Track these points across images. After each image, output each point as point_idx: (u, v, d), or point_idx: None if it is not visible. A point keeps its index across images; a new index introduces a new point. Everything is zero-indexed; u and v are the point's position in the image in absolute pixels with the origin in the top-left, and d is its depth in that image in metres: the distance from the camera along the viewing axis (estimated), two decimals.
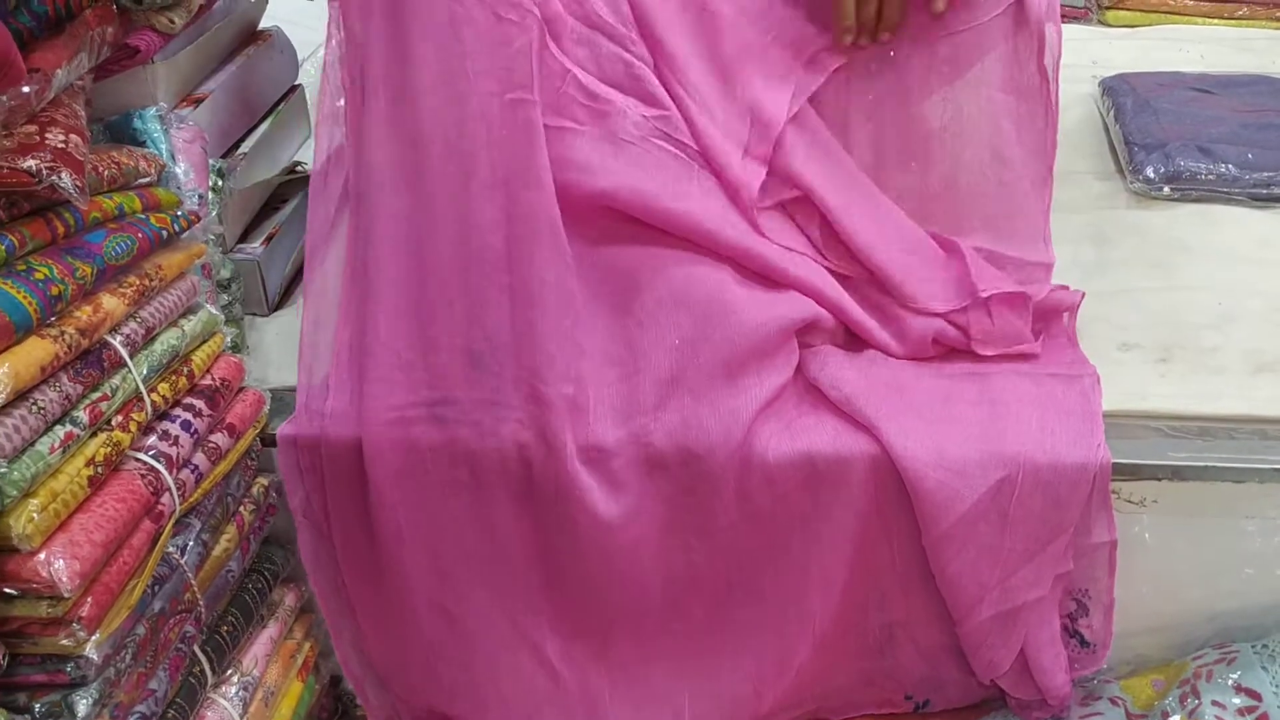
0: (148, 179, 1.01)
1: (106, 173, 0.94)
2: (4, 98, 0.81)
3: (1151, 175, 1.37)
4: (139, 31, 1.10)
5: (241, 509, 1.05)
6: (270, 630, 1.11)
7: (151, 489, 0.89)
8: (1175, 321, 1.17)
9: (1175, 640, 1.14)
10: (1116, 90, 1.56)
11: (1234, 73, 1.63)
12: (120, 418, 0.89)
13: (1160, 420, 1.08)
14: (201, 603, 0.97)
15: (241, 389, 1.06)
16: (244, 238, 1.24)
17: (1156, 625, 1.13)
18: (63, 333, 0.82)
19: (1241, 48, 1.82)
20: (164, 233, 0.97)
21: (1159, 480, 1.05)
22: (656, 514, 1.07)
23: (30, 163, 0.82)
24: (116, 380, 0.88)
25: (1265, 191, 1.35)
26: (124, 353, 0.89)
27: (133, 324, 0.91)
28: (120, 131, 1.07)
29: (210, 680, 1.01)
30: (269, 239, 1.23)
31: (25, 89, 0.84)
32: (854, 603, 1.11)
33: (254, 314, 1.22)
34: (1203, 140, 1.40)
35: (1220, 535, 1.08)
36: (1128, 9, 1.96)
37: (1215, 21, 1.94)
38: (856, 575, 1.09)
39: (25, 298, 0.80)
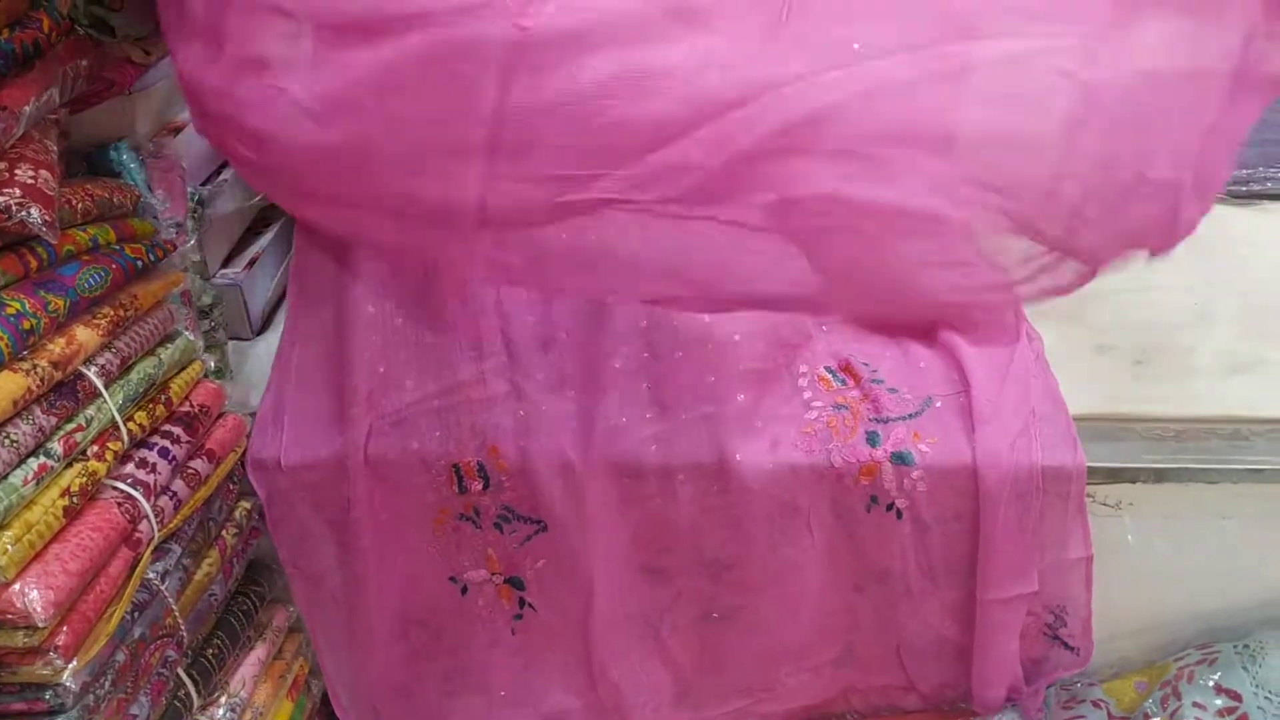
0: (123, 210, 1.02)
1: (80, 205, 0.95)
2: None
3: None
4: (114, 64, 1.11)
5: (224, 533, 1.06)
6: (258, 651, 1.13)
7: (129, 517, 0.90)
8: (1151, 323, 1.17)
9: (1159, 641, 1.14)
10: None
11: None
12: (96, 447, 0.90)
13: (1136, 423, 1.08)
14: (183, 627, 0.98)
15: (222, 414, 1.07)
16: (227, 262, 1.25)
17: (1139, 627, 1.13)
18: (35, 366, 0.84)
19: None
20: (139, 263, 0.98)
21: (1135, 483, 1.05)
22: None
23: None
24: (91, 410, 0.90)
25: (1244, 189, 1.35)
26: (99, 383, 0.91)
27: (108, 354, 0.93)
28: (98, 163, 1.08)
29: (196, 703, 1.02)
30: (251, 263, 1.25)
31: None
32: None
33: (238, 338, 1.24)
34: None
35: (1199, 536, 1.08)
36: None
37: None
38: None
39: None
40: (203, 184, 1.22)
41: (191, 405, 1.02)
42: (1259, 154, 1.37)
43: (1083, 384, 1.10)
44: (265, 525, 1.12)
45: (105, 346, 0.93)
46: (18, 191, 0.85)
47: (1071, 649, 1.13)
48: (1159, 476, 1.05)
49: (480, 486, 1.07)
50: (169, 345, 1.01)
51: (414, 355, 1.10)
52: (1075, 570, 1.08)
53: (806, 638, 1.16)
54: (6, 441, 0.81)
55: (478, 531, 1.10)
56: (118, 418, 0.92)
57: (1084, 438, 1.06)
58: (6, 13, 0.89)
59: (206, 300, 1.17)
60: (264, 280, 1.27)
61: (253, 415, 1.13)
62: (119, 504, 0.90)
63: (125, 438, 0.92)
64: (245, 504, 1.11)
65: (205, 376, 1.08)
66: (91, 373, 0.90)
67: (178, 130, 1.19)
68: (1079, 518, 1.03)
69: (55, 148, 0.96)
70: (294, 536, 1.12)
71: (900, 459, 1.03)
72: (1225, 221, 1.32)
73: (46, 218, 0.86)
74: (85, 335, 0.90)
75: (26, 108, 0.90)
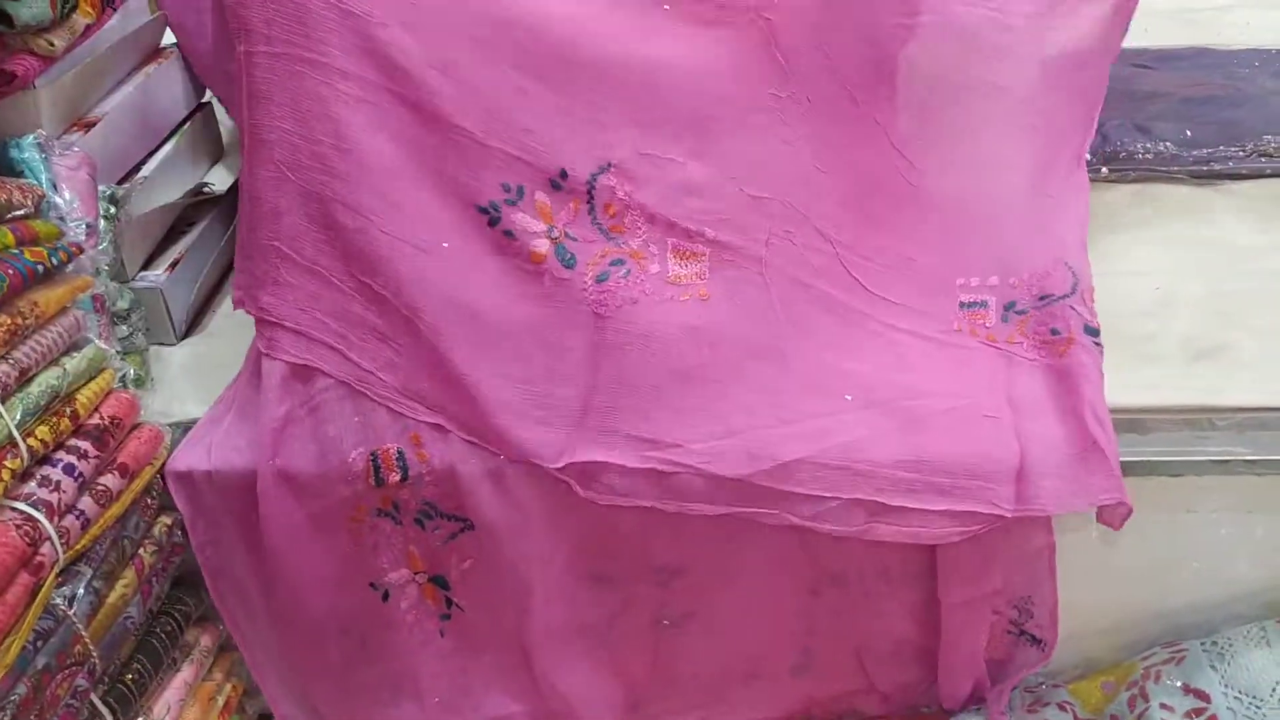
0: (23, 210, 0.96)
1: None
2: None
3: (1088, 156, 1.32)
4: (15, 56, 1.05)
5: (141, 551, 1.01)
6: (184, 673, 1.07)
7: (29, 539, 0.84)
8: (1112, 309, 1.12)
9: (1125, 640, 1.11)
10: None
11: (1176, 45, 1.59)
12: None
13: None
14: (96, 654, 0.93)
15: (137, 426, 1.01)
16: (147, 264, 1.19)
17: (1105, 626, 1.10)
18: None
19: (1185, 20, 1.77)
20: (40, 267, 0.92)
21: None
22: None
23: None
24: None
25: (1206, 169, 1.31)
26: None
27: (4, 366, 0.86)
28: None
29: None
30: (174, 265, 1.19)
31: None
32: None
33: (161, 344, 1.18)
34: (1140, 118, 1.36)
35: (1163, 530, 1.05)
36: None
37: None
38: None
39: None
40: (119, 182, 1.16)
41: (101, 417, 0.96)
42: (1218, 132, 1.34)
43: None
44: (188, 540, 1.07)
45: (2, 358, 0.87)
46: None
47: (1038, 641, 1.09)
48: (1121, 469, 1.01)
49: (398, 478, 1.01)
50: (75, 354, 0.95)
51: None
52: (1038, 560, 1.05)
53: (761, 644, 1.12)
54: None
55: (398, 528, 1.04)
56: (15, 434, 0.86)
57: None
58: None
59: (123, 305, 1.11)
60: (187, 283, 1.21)
61: (175, 425, 1.07)
62: (17, 526, 0.84)
63: (25, 455, 0.86)
64: (166, 519, 1.05)
65: (122, 386, 1.02)
66: None
67: (90, 125, 1.13)
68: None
69: None
70: (215, 549, 1.07)
71: None
72: (1186, 202, 1.29)
73: None
74: None
75: None
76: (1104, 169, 1.32)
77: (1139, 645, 1.10)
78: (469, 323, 1.00)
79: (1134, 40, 1.66)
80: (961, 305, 1.08)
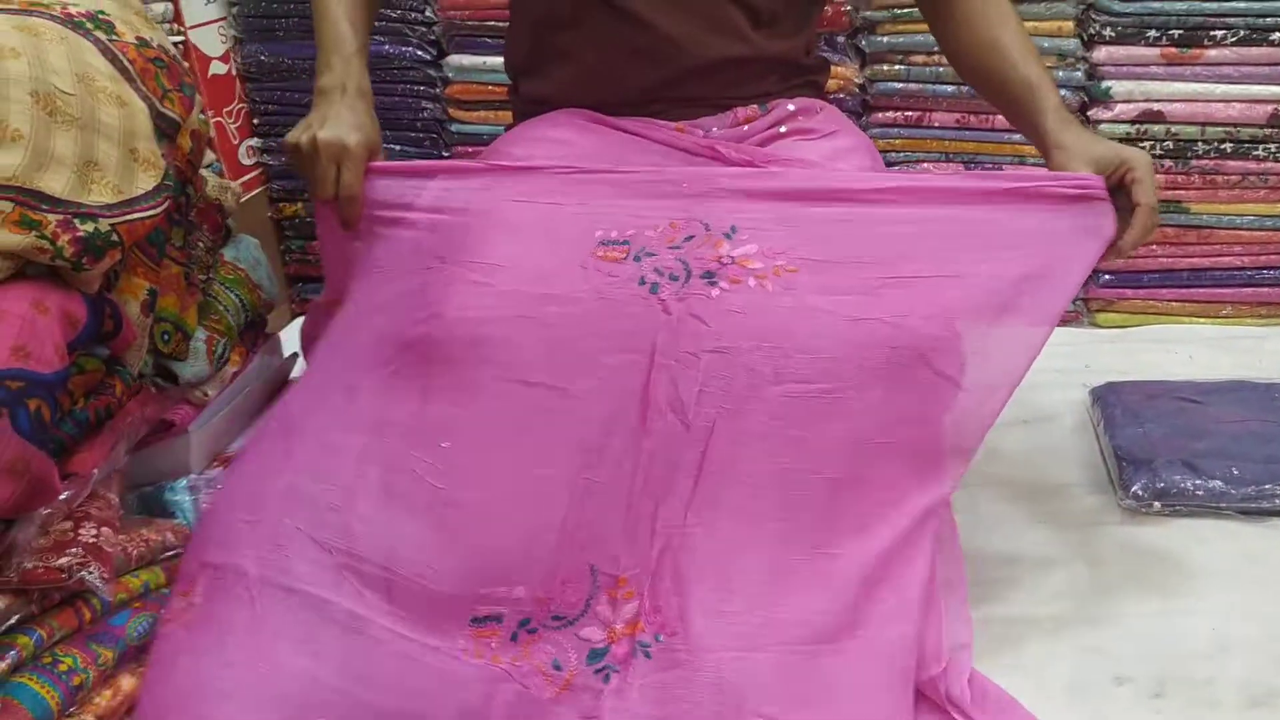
0: (175, 550, 1.08)
1: (135, 552, 1.02)
2: (43, 509, 0.89)
3: (1140, 493, 1.41)
4: (175, 406, 1.21)
5: None
6: None
7: None
8: (1169, 651, 1.18)
9: None
10: (1105, 400, 1.62)
11: (1219, 379, 1.69)
12: None
13: None
14: None
15: None
16: None
17: None
18: None
19: (1228, 347, 1.89)
20: None
21: None
22: None
23: (63, 560, 0.90)
24: None
25: (1254, 505, 1.39)
26: None
27: None
28: (152, 502, 1.16)
29: None
30: None
31: (63, 495, 0.93)
32: None
33: None
34: (1189, 455, 1.44)
35: None
36: (1117, 311, 2.06)
37: (1201, 320, 2.03)
38: None
39: (48, 692, 0.86)
40: None
41: None
42: (1265, 470, 1.41)
43: (1104, 719, 1.11)
44: None
45: None
46: (80, 551, 0.92)
47: None
48: None
49: None
50: None
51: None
52: None
53: None
54: None
55: None
56: None
57: None
58: (85, 384, 0.98)
59: None
60: None
61: None
62: None
63: None
64: None
65: None
66: None
67: (229, 460, 1.27)
68: None
69: (116, 498, 1.04)
70: None
71: None
72: (1238, 539, 1.35)
73: (104, 575, 0.92)
74: (130, 685, 0.94)
75: (96, 471, 0.98)
76: (1156, 504, 1.40)
77: None
78: None
79: (1183, 366, 1.79)
80: None
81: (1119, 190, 1.15)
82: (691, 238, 1.13)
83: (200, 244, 1.26)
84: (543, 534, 1.09)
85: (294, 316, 2.09)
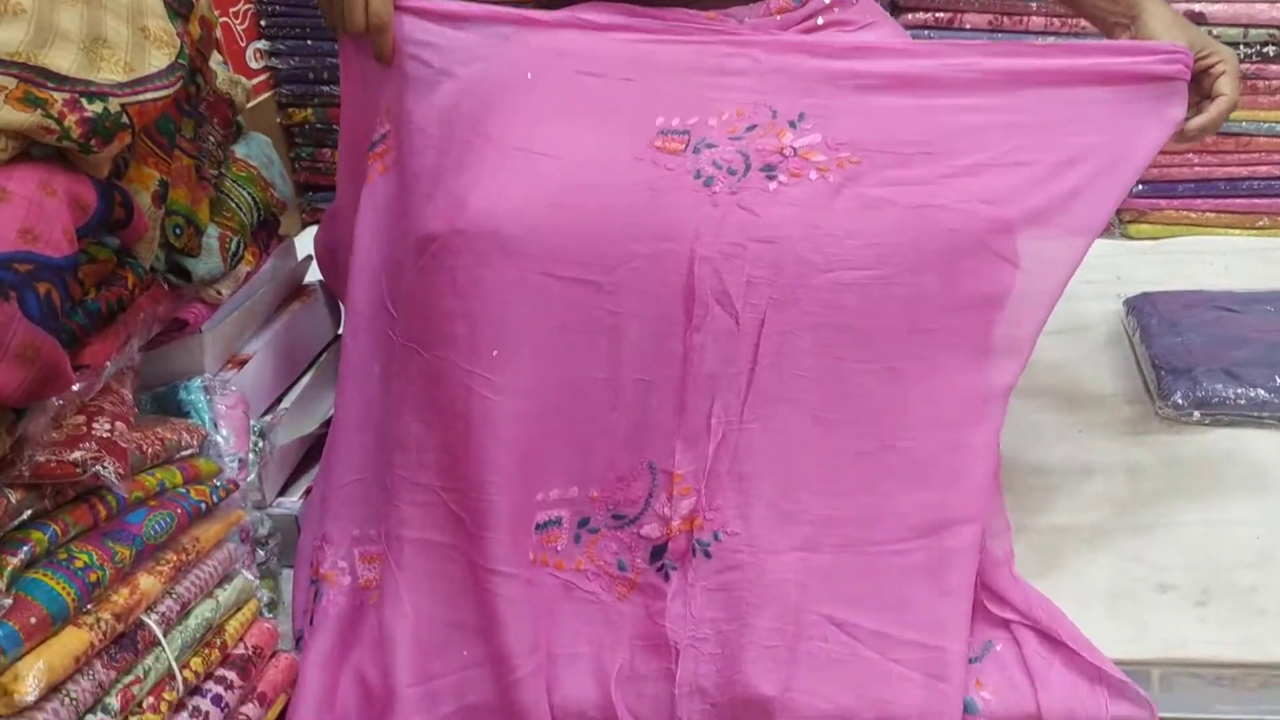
0: (190, 450, 1.05)
1: (150, 450, 0.98)
2: (55, 400, 0.85)
3: (1180, 401, 1.37)
4: (188, 305, 1.16)
5: None
6: None
7: None
8: (1213, 559, 1.15)
9: None
10: (1141, 310, 1.58)
11: (1257, 290, 1.64)
12: (152, 699, 0.90)
13: (1203, 668, 1.04)
14: None
15: (274, 654, 1.07)
16: (284, 490, 1.27)
17: None
18: (99, 620, 0.85)
19: (1264, 258, 1.84)
20: (203, 505, 1.00)
21: None
22: None
23: (76, 454, 0.86)
24: (150, 660, 0.90)
25: None
26: (159, 632, 0.91)
27: (169, 601, 0.93)
28: (167, 402, 1.12)
29: None
30: (308, 491, 1.26)
31: (75, 386, 0.89)
32: None
33: (289, 567, 1.24)
34: (1230, 364, 1.40)
35: None
36: (1149, 223, 2.00)
37: (1237, 232, 1.97)
38: None
39: (64, 588, 0.83)
40: (262, 414, 1.25)
41: (246, 647, 1.02)
42: None
43: (1146, 626, 1.08)
44: None
45: (166, 593, 0.94)
46: (94, 446, 0.88)
47: None
48: None
49: None
50: (226, 586, 1.02)
51: None
52: None
53: None
54: (66, 700, 0.81)
55: None
56: (175, 666, 0.92)
57: (1149, 686, 1.03)
58: (96, 274, 0.94)
59: (263, 531, 1.18)
60: None
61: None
62: None
63: (180, 686, 0.92)
64: None
65: (260, 615, 1.08)
66: (152, 621, 0.91)
67: (243, 363, 1.23)
68: None
69: (130, 394, 1.00)
70: None
71: (963, 708, 1.01)
72: None
73: (119, 471, 0.88)
74: (148, 584, 0.91)
75: (109, 364, 0.94)
76: (1196, 413, 1.36)
77: None
78: None
79: (1219, 278, 1.74)
80: None
81: (1194, 80, 1.10)
82: (754, 127, 1.08)
83: (211, 138, 1.21)
84: (596, 434, 1.07)
85: (304, 226, 2.04)
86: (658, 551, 1.07)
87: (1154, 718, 0.99)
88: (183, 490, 1.00)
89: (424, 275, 1.06)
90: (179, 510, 0.97)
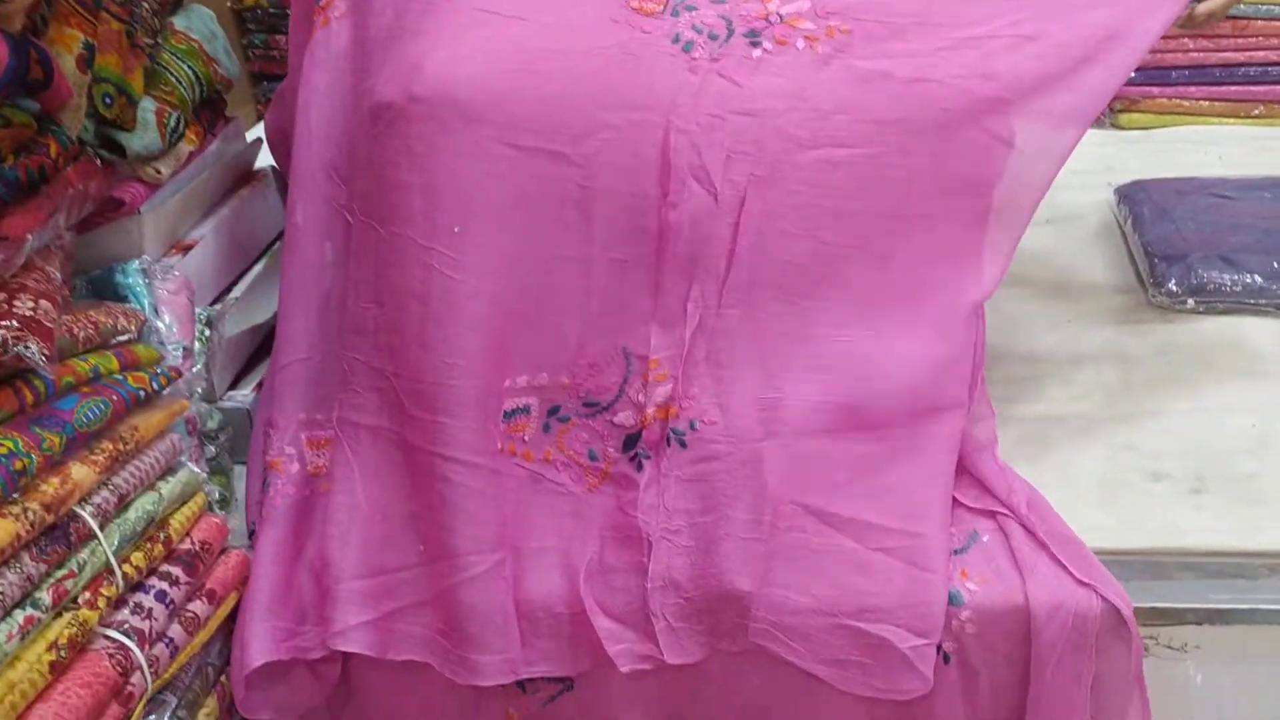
0: (127, 336, 0.98)
1: (82, 334, 0.91)
2: None
3: (1174, 288, 1.32)
4: (124, 183, 1.09)
5: (223, 679, 1.00)
6: None
7: (120, 669, 0.84)
8: (1208, 447, 1.11)
9: None
10: (1133, 198, 1.52)
11: (1254, 176, 1.58)
12: (88, 594, 0.84)
13: (1198, 557, 1.00)
14: None
15: (224, 550, 1.01)
16: (235, 384, 1.20)
17: None
18: (25, 510, 0.78)
19: (1260, 148, 1.78)
20: (141, 393, 0.94)
21: (1200, 625, 0.97)
22: None
23: None
24: (85, 554, 0.84)
25: None
26: (94, 524, 0.85)
27: (104, 492, 0.87)
28: (103, 286, 1.05)
29: None
30: (260, 385, 1.20)
31: None
32: None
33: (243, 463, 1.18)
34: (1225, 250, 1.35)
35: (1273, 681, 1.00)
36: (1141, 111, 1.93)
37: (1231, 121, 1.90)
38: None
39: None
40: (212, 303, 1.18)
41: (192, 543, 0.96)
42: None
43: (1139, 515, 1.04)
44: None
45: (102, 484, 0.87)
46: (15, 324, 0.81)
47: None
48: (1225, 617, 0.97)
49: None
50: (170, 479, 0.96)
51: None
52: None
53: None
54: None
55: (499, 689, 1.02)
56: (113, 561, 0.86)
57: (1142, 575, 0.99)
58: (13, 139, 0.86)
59: (213, 425, 1.12)
60: None
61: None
62: (110, 655, 0.84)
63: (120, 582, 0.86)
64: None
65: (208, 510, 1.03)
66: (86, 513, 0.85)
67: (188, 248, 1.16)
68: (1137, 683, 0.96)
69: (58, 274, 0.93)
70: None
71: (948, 599, 0.96)
72: (1277, 336, 1.27)
73: (45, 352, 0.81)
74: (81, 473, 0.84)
75: (30, 236, 0.86)
76: (1190, 301, 1.31)
77: None
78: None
79: (1213, 168, 1.68)
80: None
81: None
82: None
83: (145, 3, 1.12)
84: (566, 317, 1.00)
85: (259, 119, 1.94)
86: (631, 440, 1.01)
87: (1130, 615, 0.94)
88: (119, 377, 0.93)
89: (378, 145, 0.99)
90: (114, 397, 0.90)
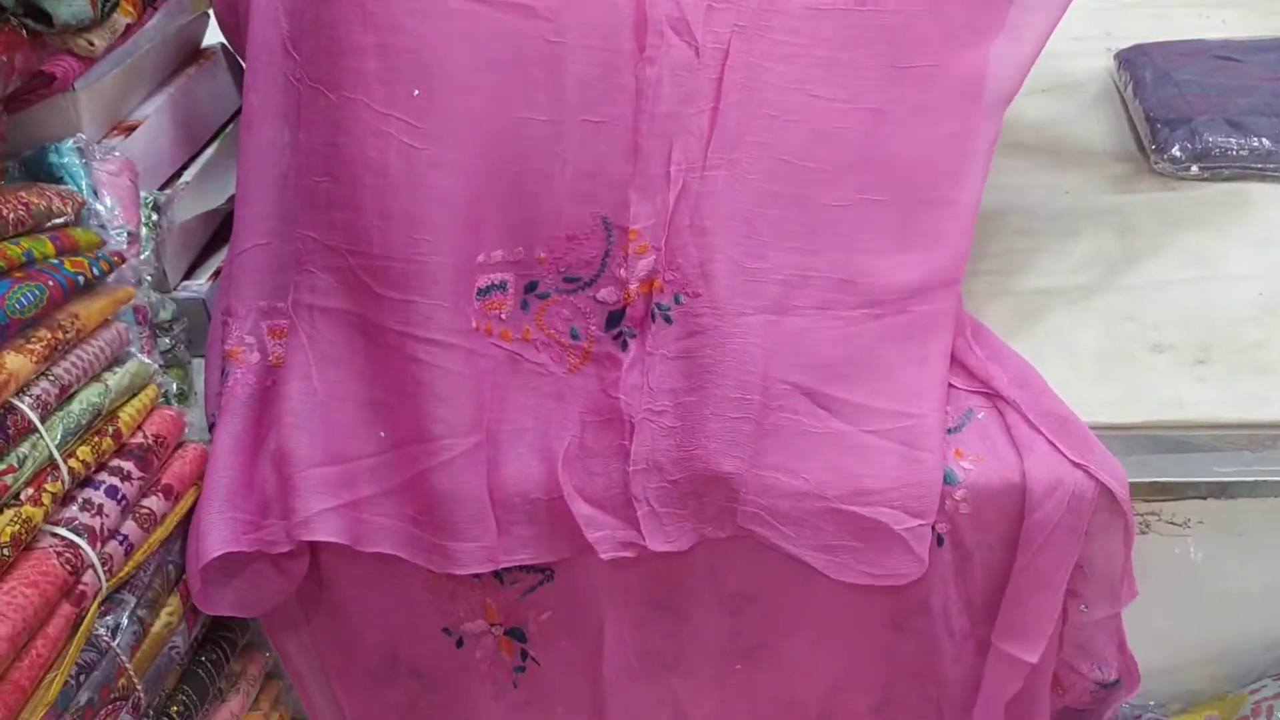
0: (63, 218, 0.92)
1: (12, 215, 0.85)
2: None
3: (1178, 154, 1.25)
4: (55, 57, 1.01)
5: (185, 577, 0.95)
6: (231, 704, 1.02)
7: (70, 567, 0.79)
8: (1212, 317, 1.06)
9: (1230, 671, 1.03)
10: (1134, 63, 1.44)
11: (1261, 37, 1.51)
12: (31, 490, 0.79)
13: (1201, 430, 0.96)
14: (140, 687, 0.88)
15: (181, 444, 0.96)
16: (189, 274, 1.14)
17: (1209, 656, 1.03)
18: None
19: (1267, 10, 1.69)
20: (81, 278, 0.87)
21: (1204, 499, 0.94)
22: None
23: None
24: (25, 448, 0.79)
25: None
26: (33, 416, 0.80)
27: (44, 383, 0.82)
28: (36, 167, 0.98)
29: None
30: (217, 273, 1.14)
31: None
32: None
33: (201, 356, 1.13)
34: (1231, 113, 1.28)
35: (1273, 553, 0.97)
36: None
37: None
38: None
39: None
40: (161, 188, 1.11)
41: (145, 436, 0.91)
42: None
43: (1140, 388, 0.99)
44: None
45: (41, 374, 0.82)
46: None
47: (1115, 684, 1.01)
48: (1229, 491, 0.94)
49: None
50: (118, 369, 0.90)
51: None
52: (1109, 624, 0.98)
53: (838, 681, 1.05)
54: None
55: (475, 581, 0.98)
56: (56, 455, 0.81)
57: (1144, 450, 0.95)
58: None
59: (166, 316, 1.06)
60: None
61: None
62: (59, 553, 0.79)
63: (66, 477, 0.82)
64: None
65: (164, 402, 0.97)
66: (24, 405, 0.79)
67: (131, 129, 1.08)
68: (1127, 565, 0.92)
69: None
70: None
71: (943, 479, 0.92)
72: None
73: None
74: (16, 363, 0.79)
75: None
76: (1195, 167, 1.25)
77: (1246, 677, 1.02)
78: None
79: (1217, 32, 1.60)
80: None
81: None
82: None
83: None
84: (540, 186, 0.93)
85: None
86: (614, 318, 0.96)
87: (1125, 496, 0.90)
88: (55, 261, 0.87)
89: (326, 3, 0.91)
90: (50, 283, 0.84)
